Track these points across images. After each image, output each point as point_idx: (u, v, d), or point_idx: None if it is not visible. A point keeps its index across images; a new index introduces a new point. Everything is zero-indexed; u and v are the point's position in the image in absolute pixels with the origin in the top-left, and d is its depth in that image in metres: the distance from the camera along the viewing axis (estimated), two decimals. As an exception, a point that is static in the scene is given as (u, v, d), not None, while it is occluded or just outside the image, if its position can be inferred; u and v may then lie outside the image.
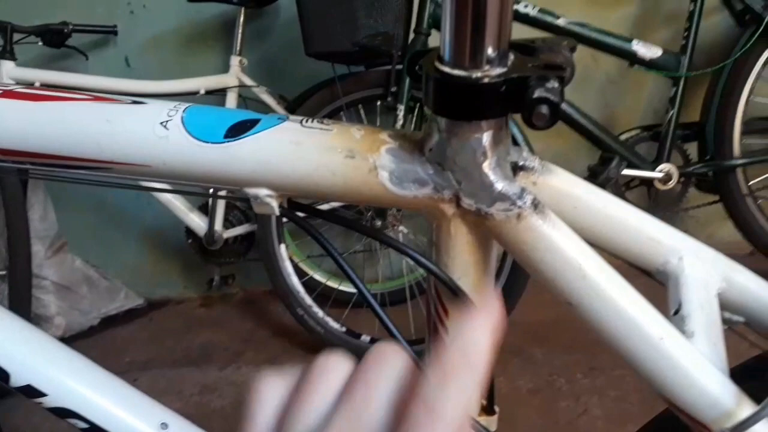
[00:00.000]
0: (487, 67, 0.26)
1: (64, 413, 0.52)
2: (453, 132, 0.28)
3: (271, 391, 0.25)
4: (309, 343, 1.77)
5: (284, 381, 0.25)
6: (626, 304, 0.29)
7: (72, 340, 2.08)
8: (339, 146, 0.31)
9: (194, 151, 0.32)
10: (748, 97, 1.53)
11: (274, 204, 0.32)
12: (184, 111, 0.33)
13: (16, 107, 0.35)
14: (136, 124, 0.33)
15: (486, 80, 0.26)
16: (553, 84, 0.25)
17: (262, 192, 0.32)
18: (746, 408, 0.29)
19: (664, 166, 1.56)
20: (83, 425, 0.53)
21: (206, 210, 1.86)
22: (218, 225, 1.84)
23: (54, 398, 0.53)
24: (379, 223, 1.56)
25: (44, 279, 2.00)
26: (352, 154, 0.30)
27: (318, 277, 1.90)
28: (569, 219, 0.30)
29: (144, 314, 2.16)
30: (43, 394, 0.52)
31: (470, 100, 0.26)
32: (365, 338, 1.67)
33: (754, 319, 0.35)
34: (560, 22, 1.49)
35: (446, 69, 0.26)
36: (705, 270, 0.33)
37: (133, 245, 2.32)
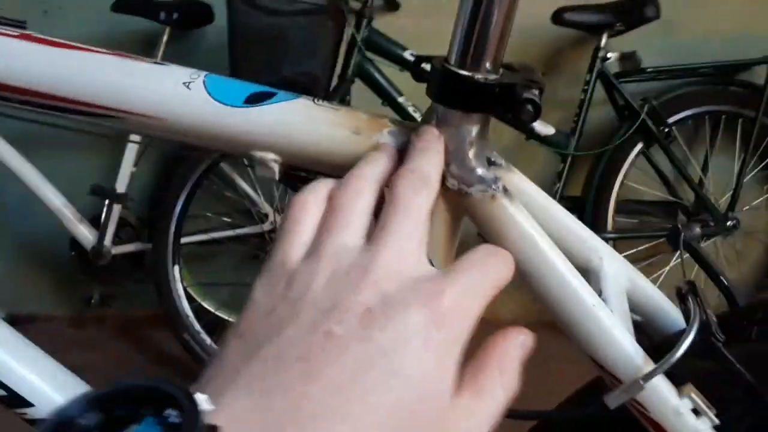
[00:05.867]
0: (485, 73, 0.33)
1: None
2: (449, 120, 0.34)
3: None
4: (190, 372, 1.72)
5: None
6: (569, 275, 0.36)
7: None
8: (347, 124, 0.36)
9: (213, 112, 0.36)
10: (622, 180, 1.75)
11: (277, 169, 0.37)
12: (206, 76, 0.37)
13: (35, 49, 0.37)
14: (158, 81, 0.36)
15: (484, 81, 0.33)
16: (536, 91, 0.32)
17: (269, 156, 0.36)
18: (650, 366, 0.37)
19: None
20: (2, 393, 0.51)
21: (97, 224, 1.79)
22: (108, 240, 1.77)
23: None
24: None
25: None
26: (358, 131, 0.36)
27: (207, 305, 1.87)
28: (523, 210, 0.37)
29: (6, 328, 1.99)
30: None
31: (470, 94, 0.33)
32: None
33: (649, 319, 0.44)
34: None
35: (454, 68, 0.33)
36: (618, 269, 0.42)
37: (3, 252, 2.15)
